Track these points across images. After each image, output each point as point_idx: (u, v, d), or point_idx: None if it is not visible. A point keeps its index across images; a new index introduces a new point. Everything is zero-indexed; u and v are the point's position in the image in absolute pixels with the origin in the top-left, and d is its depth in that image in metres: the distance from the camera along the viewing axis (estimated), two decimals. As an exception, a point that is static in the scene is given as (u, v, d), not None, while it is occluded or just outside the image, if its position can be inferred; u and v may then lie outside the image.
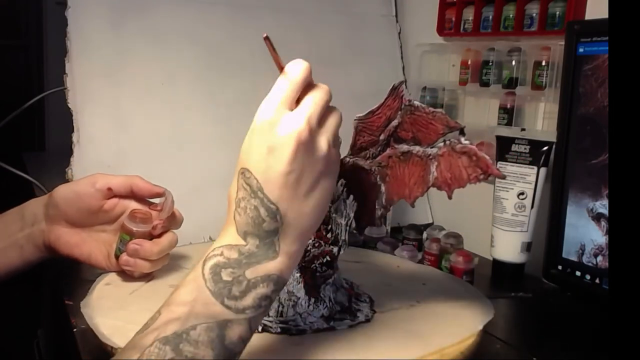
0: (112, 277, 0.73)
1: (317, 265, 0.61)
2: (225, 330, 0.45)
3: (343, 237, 0.62)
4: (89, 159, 0.89)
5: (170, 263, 0.75)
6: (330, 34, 1.13)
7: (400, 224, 1.05)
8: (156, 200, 0.74)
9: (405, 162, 0.61)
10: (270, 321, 0.60)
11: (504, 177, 0.60)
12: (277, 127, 0.47)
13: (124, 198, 0.73)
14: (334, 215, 0.62)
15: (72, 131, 0.90)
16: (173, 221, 0.73)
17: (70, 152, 0.90)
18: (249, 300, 0.46)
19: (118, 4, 0.97)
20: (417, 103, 0.61)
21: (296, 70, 0.49)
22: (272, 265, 0.48)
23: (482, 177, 0.56)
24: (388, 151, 0.63)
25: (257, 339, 0.57)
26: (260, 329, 0.59)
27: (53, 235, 0.71)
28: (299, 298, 0.61)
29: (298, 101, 0.49)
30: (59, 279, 0.78)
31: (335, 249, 0.62)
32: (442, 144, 0.58)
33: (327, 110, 0.51)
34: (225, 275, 0.46)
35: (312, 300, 0.61)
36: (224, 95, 1.01)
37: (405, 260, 0.88)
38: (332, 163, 0.50)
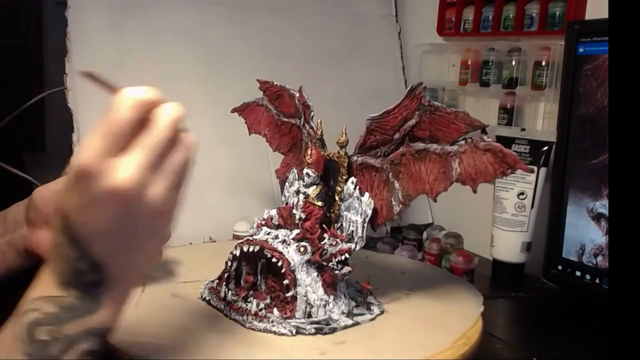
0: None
1: (334, 264, 0.62)
2: None
3: (360, 234, 0.63)
4: (89, 159, 0.89)
5: (170, 263, 0.75)
6: (330, 34, 1.13)
7: (400, 224, 1.05)
8: None
9: (421, 160, 0.64)
10: (302, 323, 0.60)
11: (532, 171, 0.67)
12: (101, 179, 0.40)
13: None
14: (345, 213, 0.63)
15: (72, 131, 0.90)
16: None
17: (70, 152, 0.90)
18: (71, 356, 0.42)
19: (118, 4, 0.98)
20: (437, 103, 0.63)
21: (123, 106, 0.42)
22: (95, 319, 0.42)
23: (509, 171, 0.59)
24: (402, 149, 0.65)
25: (298, 341, 0.58)
26: (294, 331, 0.60)
27: (34, 239, 0.66)
28: (320, 297, 0.62)
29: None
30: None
31: (352, 246, 0.63)
32: (463, 142, 0.61)
33: (168, 147, 0.43)
34: (43, 334, 0.41)
35: (332, 297, 0.62)
36: (224, 95, 1.01)
37: (373, 252, 0.90)
38: (167, 211, 0.44)
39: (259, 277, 0.62)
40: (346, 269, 0.62)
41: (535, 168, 0.86)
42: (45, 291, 0.43)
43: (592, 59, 0.79)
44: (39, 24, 2.17)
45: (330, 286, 0.62)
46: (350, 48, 1.15)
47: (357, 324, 0.62)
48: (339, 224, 0.64)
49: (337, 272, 0.62)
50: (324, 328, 0.60)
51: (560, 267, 0.83)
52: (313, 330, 0.60)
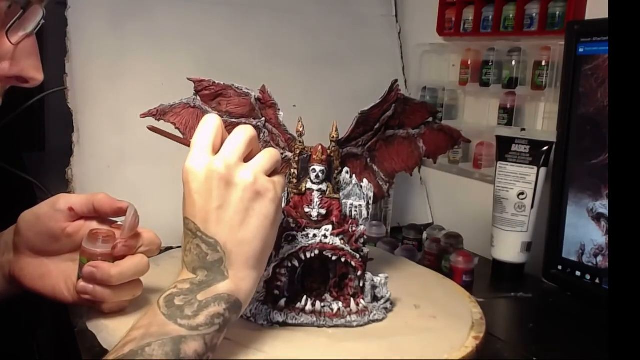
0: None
1: (361, 245, 0.65)
2: (179, 345, 0.47)
3: (365, 216, 0.67)
4: (89, 159, 0.89)
5: (170, 264, 0.75)
6: (330, 34, 1.13)
7: (400, 224, 1.05)
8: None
9: (390, 144, 0.76)
10: (323, 321, 0.64)
11: (468, 141, 0.81)
12: (198, 172, 0.53)
13: (90, 219, 0.63)
14: (344, 200, 0.66)
15: (72, 131, 0.90)
16: (138, 240, 0.61)
17: (70, 152, 0.90)
18: (201, 318, 0.49)
19: (118, 4, 0.98)
20: (407, 95, 0.72)
21: (211, 123, 0.55)
22: (222, 286, 0.52)
23: (454, 144, 0.79)
24: (377, 137, 0.75)
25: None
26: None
27: (18, 266, 0.63)
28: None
29: None
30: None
31: (364, 227, 0.67)
32: (423, 126, 0.76)
33: (256, 148, 0.56)
34: (178, 301, 0.50)
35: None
36: (224, 95, 1.01)
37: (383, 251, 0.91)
38: (264, 190, 0.54)
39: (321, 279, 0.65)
40: (366, 249, 0.66)
41: (536, 168, 0.86)
42: (180, 278, 0.53)
43: (592, 59, 0.79)
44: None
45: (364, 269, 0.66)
46: (350, 48, 1.14)
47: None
48: (341, 212, 0.67)
49: (363, 253, 0.65)
50: (388, 307, 0.66)
51: (560, 267, 0.83)
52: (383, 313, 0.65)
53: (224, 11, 1.05)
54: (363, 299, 0.65)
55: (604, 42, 0.78)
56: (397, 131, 0.76)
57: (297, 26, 1.11)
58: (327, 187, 0.65)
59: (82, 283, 0.59)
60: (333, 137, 0.67)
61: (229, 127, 0.72)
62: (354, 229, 0.65)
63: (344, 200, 0.66)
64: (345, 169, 0.67)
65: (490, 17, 1.00)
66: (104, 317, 0.62)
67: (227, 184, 0.52)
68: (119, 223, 0.62)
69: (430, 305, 0.69)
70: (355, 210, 0.67)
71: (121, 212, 0.61)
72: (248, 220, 0.53)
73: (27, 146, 1.93)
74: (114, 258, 0.60)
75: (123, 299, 0.61)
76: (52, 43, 1.00)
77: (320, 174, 0.65)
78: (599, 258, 0.78)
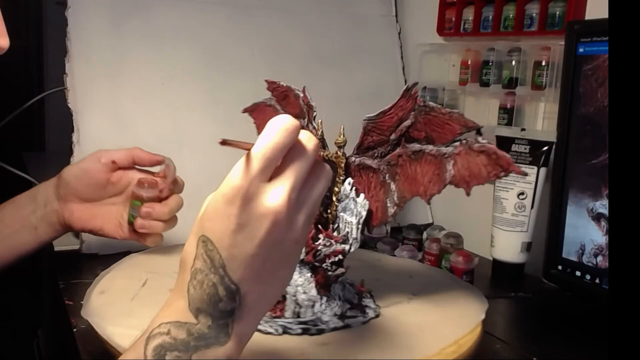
0: (106, 283, 0.70)
1: (328, 265, 0.61)
2: None
3: (354, 236, 0.63)
4: (89, 159, 0.89)
5: (168, 264, 0.75)
6: (330, 34, 1.13)
7: (400, 224, 1.05)
8: (157, 169, 0.78)
9: (417, 161, 0.62)
10: (289, 322, 0.60)
11: (525, 174, 0.62)
12: (253, 202, 0.40)
13: (128, 170, 0.78)
14: (341, 214, 0.62)
15: (72, 131, 0.90)
16: (177, 185, 0.77)
17: (70, 152, 0.90)
18: None
19: (118, 3, 0.98)
20: (432, 104, 0.61)
21: (278, 131, 0.41)
22: (221, 351, 0.42)
23: (502, 174, 0.57)
24: (398, 150, 0.63)
25: (280, 341, 0.58)
26: (280, 330, 0.59)
27: (67, 212, 0.76)
28: (312, 297, 0.62)
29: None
30: (59, 279, 0.78)
31: (346, 247, 0.62)
32: (457, 143, 0.60)
33: (311, 175, 0.43)
34: (170, 358, 0.41)
35: (324, 299, 0.62)
36: (224, 95, 1.01)
37: (384, 254, 0.89)
38: (303, 240, 0.44)
39: None
40: (340, 270, 0.62)
41: (536, 168, 0.86)
42: (175, 315, 0.42)
43: (592, 59, 0.79)
44: (39, 24, 2.17)
45: (324, 287, 0.62)
46: (350, 48, 1.15)
47: (347, 326, 0.61)
48: (336, 225, 0.64)
49: (330, 273, 0.61)
50: (311, 329, 0.60)
51: (560, 267, 0.83)
52: (300, 331, 0.60)
53: (224, 11, 1.05)
54: (281, 310, 0.60)
55: (604, 42, 0.78)
56: (425, 147, 0.62)
57: (297, 26, 1.11)
58: None
59: (140, 221, 0.75)
60: (339, 142, 0.63)
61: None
62: (325, 243, 0.60)
63: (340, 214, 0.63)
64: (348, 179, 0.63)
65: (490, 17, 1.00)
66: (111, 325, 0.61)
67: (280, 231, 0.41)
68: (157, 172, 0.77)
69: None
70: (348, 227, 0.62)
71: (158, 163, 0.77)
72: (278, 275, 0.44)
73: (27, 146, 1.93)
74: (159, 199, 0.75)
75: (168, 229, 0.77)
76: (52, 43, 1.00)
77: None
78: (599, 258, 0.78)
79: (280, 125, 0.41)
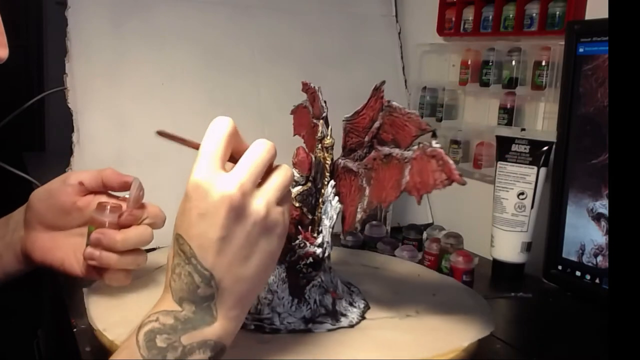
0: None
1: (301, 266, 0.60)
2: None
3: (327, 239, 0.61)
4: (89, 159, 0.89)
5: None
6: (330, 34, 1.13)
7: (400, 224, 1.05)
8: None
9: (387, 165, 0.58)
10: (246, 318, 0.57)
11: (464, 183, 0.52)
12: (208, 191, 0.45)
13: (99, 194, 0.66)
14: (323, 216, 0.61)
15: (72, 131, 0.90)
16: (148, 213, 0.64)
17: (70, 152, 0.90)
18: None
19: (118, 3, 0.98)
20: (395, 104, 0.59)
21: (223, 127, 0.47)
22: (209, 331, 0.46)
23: (446, 182, 0.52)
24: (373, 153, 0.60)
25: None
26: None
27: (29, 240, 0.66)
28: (281, 297, 0.60)
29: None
30: (59, 279, 0.78)
31: (319, 251, 0.60)
32: (416, 147, 0.55)
33: (271, 171, 0.48)
34: (160, 342, 0.44)
35: (295, 300, 0.60)
36: (224, 95, 1.01)
37: (429, 270, 0.82)
38: (273, 225, 0.48)
39: None
40: (314, 274, 0.60)
41: (536, 168, 0.86)
42: (162, 307, 0.46)
43: (592, 59, 0.79)
44: (39, 24, 2.17)
45: (297, 288, 0.60)
46: (350, 48, 1.14)
47: (309, 330, 0.59)
48: (320, 228, 0.62)
49: (300, 275, 0.60)
50: (266, 327, 0.59)
51: (560, 267, 0.83)
52: (253, 327, 0.59)
53: (224, 11, 1.05)
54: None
55: (604, 42, 0.78)
56: (393, 150, 0.58)
57: (297, 26, 1.11)
58: (295, 192, 0.60)
59: (89, 249, 0.62)
60: (325, 144, 0.62)
61: (315, 128, 0.69)
62: (300, 244, 0.59)
63: (322, 216, 0.61)
64: (331, 182, 0.61)
65: (490, 17, 1.00)
66: (104, 317, 0.61)
67: (238, 215, 0.45)
68: (126, 196, 0.65)
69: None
70: (325, 230, 0.60)
71: (127, 185, 0.64)
72: (251, 257, 0.47)
73: (27, 146, 1.93)
74: (120, 227, 0.62)
75: (127, 266, 0.63)
76: (52, 43, 1.00)
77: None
78: (599, 258, 0.78)
79: (224, 122, 0.48)
